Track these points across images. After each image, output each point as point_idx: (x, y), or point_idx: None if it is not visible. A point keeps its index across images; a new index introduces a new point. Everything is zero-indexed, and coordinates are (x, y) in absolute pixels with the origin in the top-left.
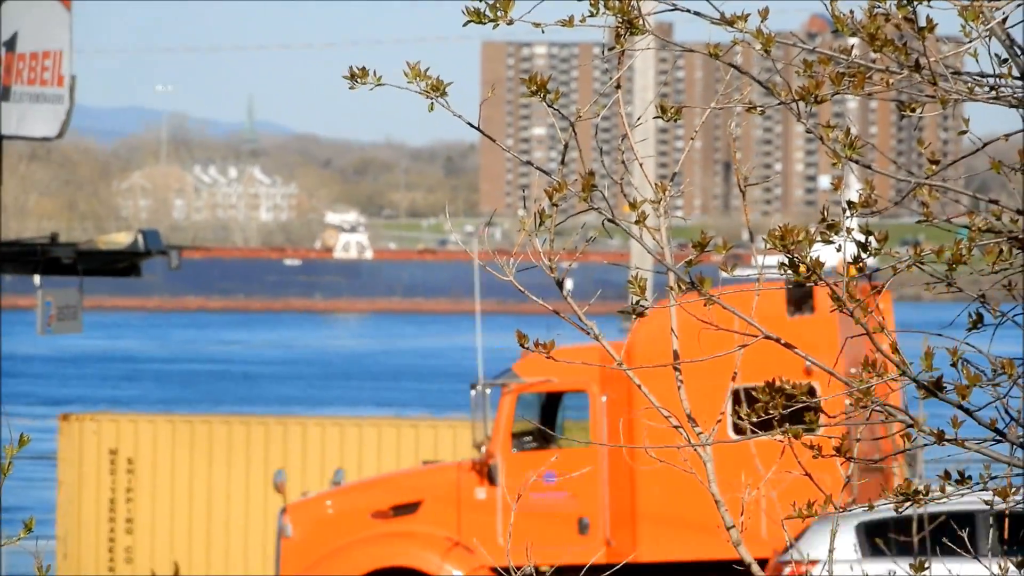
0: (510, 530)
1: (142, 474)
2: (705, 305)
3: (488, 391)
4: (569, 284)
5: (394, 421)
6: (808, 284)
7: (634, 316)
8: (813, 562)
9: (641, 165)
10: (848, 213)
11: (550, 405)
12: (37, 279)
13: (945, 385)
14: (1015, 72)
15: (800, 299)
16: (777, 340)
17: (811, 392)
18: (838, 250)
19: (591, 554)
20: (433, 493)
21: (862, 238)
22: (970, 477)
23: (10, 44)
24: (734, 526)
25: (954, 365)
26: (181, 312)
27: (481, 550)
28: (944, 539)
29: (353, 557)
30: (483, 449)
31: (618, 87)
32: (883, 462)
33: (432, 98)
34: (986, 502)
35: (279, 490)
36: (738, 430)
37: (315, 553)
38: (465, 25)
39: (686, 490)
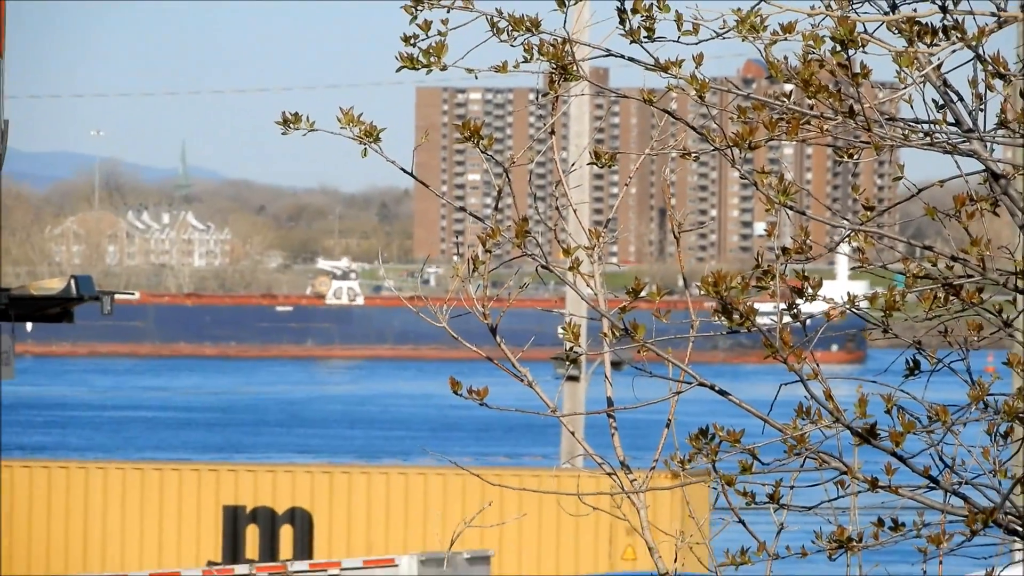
0: None
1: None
2: (640, 352)
3: None
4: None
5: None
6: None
7: (567, 363)
8: None
9: (575, 211)
10: (781, 259)
11: None
12: None
13: (879, 432)
14: (950, 118)
15: None
16: (711, 387)
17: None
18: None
19: None
20: None
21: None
22: (903, 524)
23: None
24: (667, 572)
25: (888, 412)
26: (178, 358)
27: None
28: None
29: None
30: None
31: (552, 133)
32: (814, 509)
33: (365, 144)
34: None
35: None
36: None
37: None
38: (398, 71)
39: None
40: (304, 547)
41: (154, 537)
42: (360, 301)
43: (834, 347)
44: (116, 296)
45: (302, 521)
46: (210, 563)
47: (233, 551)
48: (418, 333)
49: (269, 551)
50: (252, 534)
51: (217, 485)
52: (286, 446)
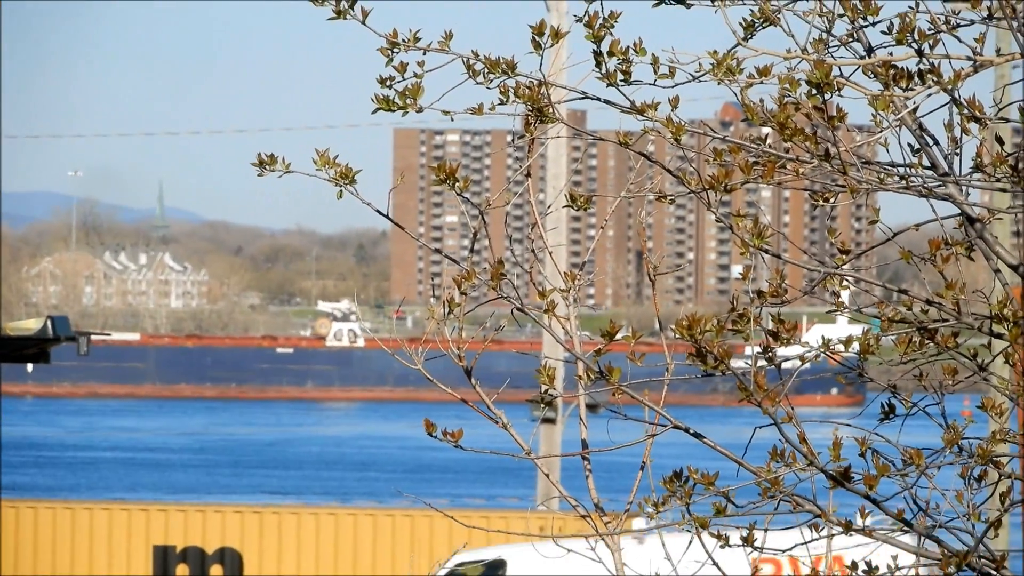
0: None
1: None
2: (615, 394)
3: None
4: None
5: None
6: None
7: (543, 405)
8: None
9: (551, 254)
10: (757, 303)
11: None
12: None
13: (853, 475)
14: (926, 162)
15: None
16: (686, 430)
17: None
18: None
19: None
20: None
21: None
22: (877, 568)
23: None
24: None
25: (862, 455)
26: (177, 399)
27: None
28: None
29: None
30: None
31: (528, 175)
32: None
33: (341, 185)
34: None
35: None
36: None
37: None
38: (374, 112)
39: None
40: None
41: None
42: (361, 343)
43: (834, 390)
44: (93, 336)
45: (232, 561)
46: None
47: None
48: (417, 376)
49: None
50: (182, 574)
51: (147, 525)
52: (256, 487)
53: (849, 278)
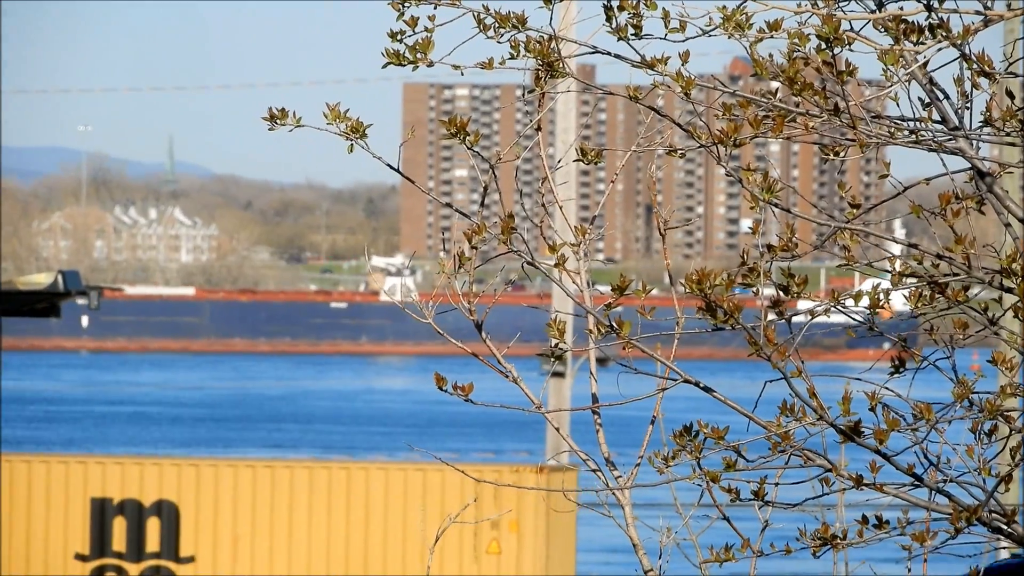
0: None
1: None
2: (625, 348)
3: None
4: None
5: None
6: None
7: (553, 359)
8: None
9: (561, 208)
10: (767, 257)
11: None
12: None
13: (863, 430)
14: (936, 116)
15: None
16: (696, 384)
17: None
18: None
19: None
20: None
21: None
22: (888, 522)
23: None
24: (651, 570)
25: (872, 410)
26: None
27: None
28: None
29: None
30: None
31: (538, 129)
32: (799, 507)
33: (352, 139)
34: None
35: None
36: None
37: None
38: (385, 67)
39: None
40: (171, 540)
41: (22, 530)
42: (415, 298)
43: (886, 345)
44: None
45: (169, 513)
46: (77, 556)
47: (100, 544)
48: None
49: (136, 544)
50: (119, 527)
51: (85, 477)
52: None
53: (859, 232)
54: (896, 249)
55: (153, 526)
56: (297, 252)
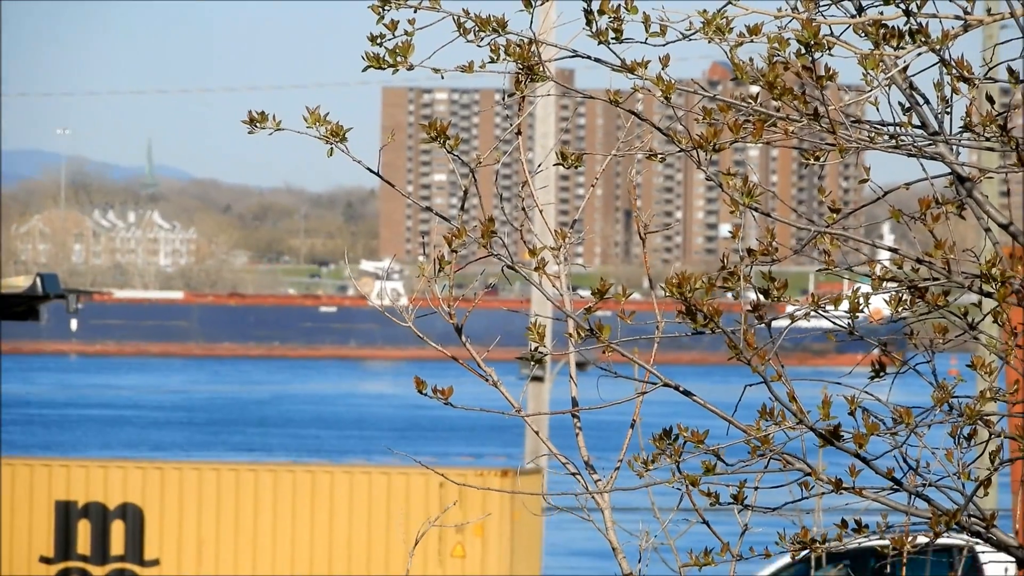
0: None
1: None
2: (605, 352)
3: None
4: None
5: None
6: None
7: (532, 363)
8: None
9: (541, 212)
10: (747, 261)
11: None
12: None
13: (843, 434)
14: (916, 121)
15: None
16: (676, 387)
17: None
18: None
19: None
20: None
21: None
22: (867, 526)
23: None
24: (630, 573)
25: (852, 414)
26: (219, 358)
27: None
28: None
29: None
30: None
31: (518, 133)
32: (778, 511)
33: (332, 143)
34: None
35: None
36: None
37: None
38: (364, 70)
39: None
40: (135, 543)
41: None
42: (403, 302)
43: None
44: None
45: (133, 517)
46: (42, 558)
47: (65, 547)
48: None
49: (101, 547)
50: (84, 529)
51: (49, 480)
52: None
53: (839, 237)
54: (880, 254)
55: (118, 529)
56: (275, 256)
